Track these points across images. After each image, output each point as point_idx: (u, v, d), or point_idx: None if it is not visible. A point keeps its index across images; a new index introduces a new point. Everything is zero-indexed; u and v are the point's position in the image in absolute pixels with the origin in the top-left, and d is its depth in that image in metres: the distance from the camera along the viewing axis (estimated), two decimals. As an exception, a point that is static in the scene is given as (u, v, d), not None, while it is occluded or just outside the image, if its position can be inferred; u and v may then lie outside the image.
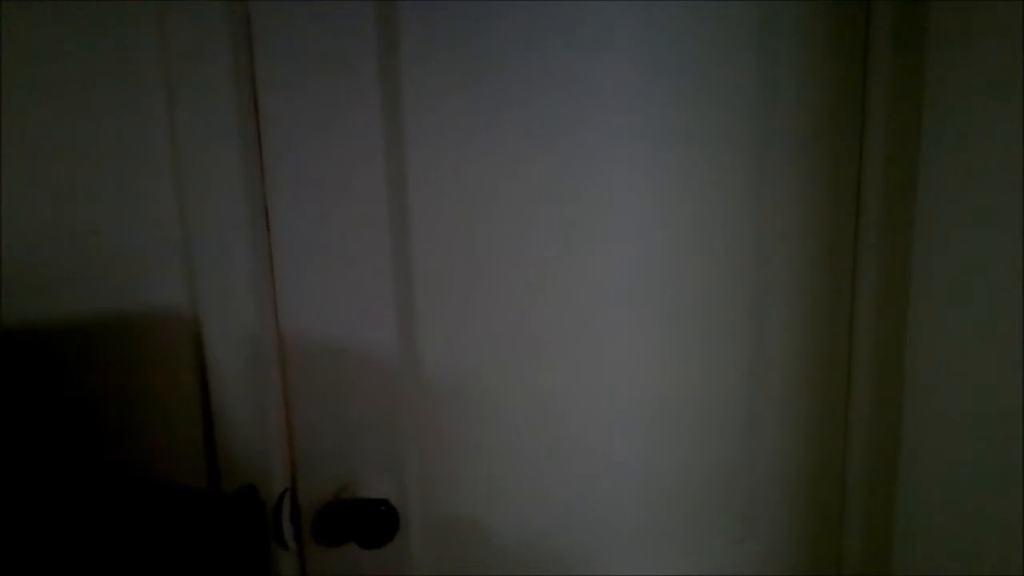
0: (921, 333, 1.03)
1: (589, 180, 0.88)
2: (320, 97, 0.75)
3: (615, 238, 0.91)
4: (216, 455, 0.77)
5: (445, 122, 0.80)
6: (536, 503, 0.91)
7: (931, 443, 1.03)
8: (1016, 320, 0.93)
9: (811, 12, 0.96)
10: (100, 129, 0.69)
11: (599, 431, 0.93)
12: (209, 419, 0.76)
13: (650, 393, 0.95)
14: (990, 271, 0.95)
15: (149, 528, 0.72)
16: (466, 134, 0.81)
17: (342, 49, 0.75)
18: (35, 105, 0.67)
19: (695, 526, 1.01)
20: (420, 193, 0.80)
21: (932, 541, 1.05)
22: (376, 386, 0.81)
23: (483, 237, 0.84)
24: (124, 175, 0.71)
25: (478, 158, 0.82)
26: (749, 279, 1.00)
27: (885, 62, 0.99)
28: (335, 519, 0.79)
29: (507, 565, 0.90)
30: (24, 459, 0.70)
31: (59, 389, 0.71)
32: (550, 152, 0.85)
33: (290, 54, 0.73)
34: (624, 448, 0.95)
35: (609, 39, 0.85)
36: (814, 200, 1.01)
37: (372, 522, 0.77)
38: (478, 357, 0.86)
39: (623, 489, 0.96)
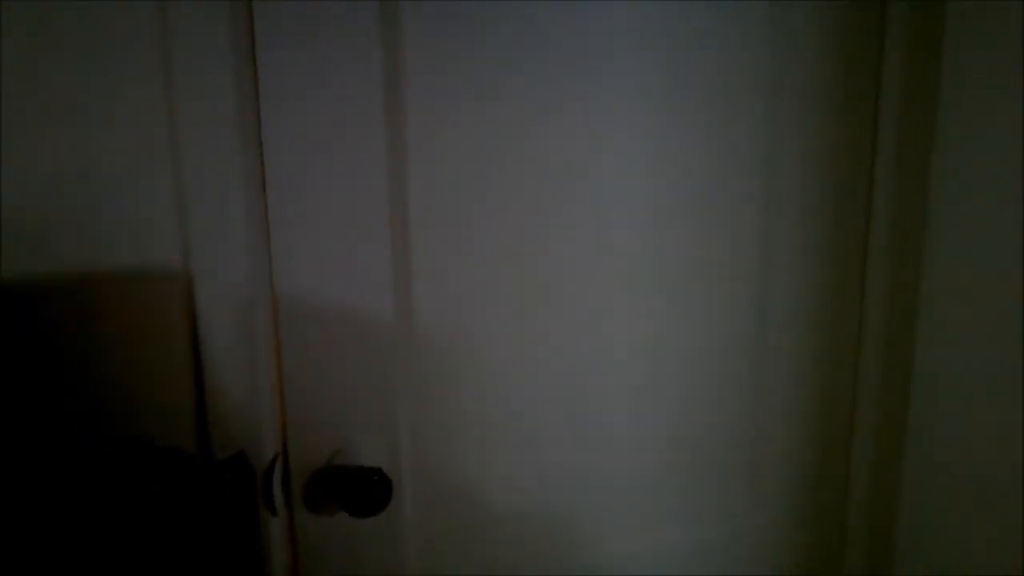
0: (933, 307, 1.00)
1: (591, 139, 0.84)
2: (320, 53, 0.72)
3: (616, 201, 0.87)
4: (206, 417, 0.75)
5: (446, 84, 0.77)
6: (532, 471, 0.89)
7: (939, 415, 1.01)
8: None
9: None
10: (95, 81, 0.67)
11: (598, 397, 0.91)
12: (200, 380, 0.74)
13: (650, 361, 0.93)
14: (1004, 265, 0.92)
15: (137, 491, 0.71)
16: (467, 96, 0.78)
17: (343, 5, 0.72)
18: (29, 55, 0.65)
19: (695, 497, 1.00)
20: (419, 155, 0.78)
21: (937, 521, 1.03)
22: (371, 350, 0.79)
23: (482, 199, 0.81)
24: (118, 129, 0.69)
25: (478, 121, 0.79)
26: (754, 245, 0.96)
27: (900, 50, 0.95)
28: (327, 486, 0.77)
29: (502, 534, 0.89)
30: (10, 417, 0.68)
31: (49, 347, 0.70)
32: (552, 112, 0.82)
33: (290, 6, 0.71)
34: (624, 416, 0.92)
35: (613, 15, 0.82)
36: (825, 176, 0.97)
37: (364, 491, 0.76)
38: (474, 322, 0.83)
39: (622, 457, 0.94)
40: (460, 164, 0.80)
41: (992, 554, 0.97)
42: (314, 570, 0.80)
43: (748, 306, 0.97)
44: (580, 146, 0.84)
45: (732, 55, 0.89)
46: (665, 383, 0.95)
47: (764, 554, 1.06)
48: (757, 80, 0.91)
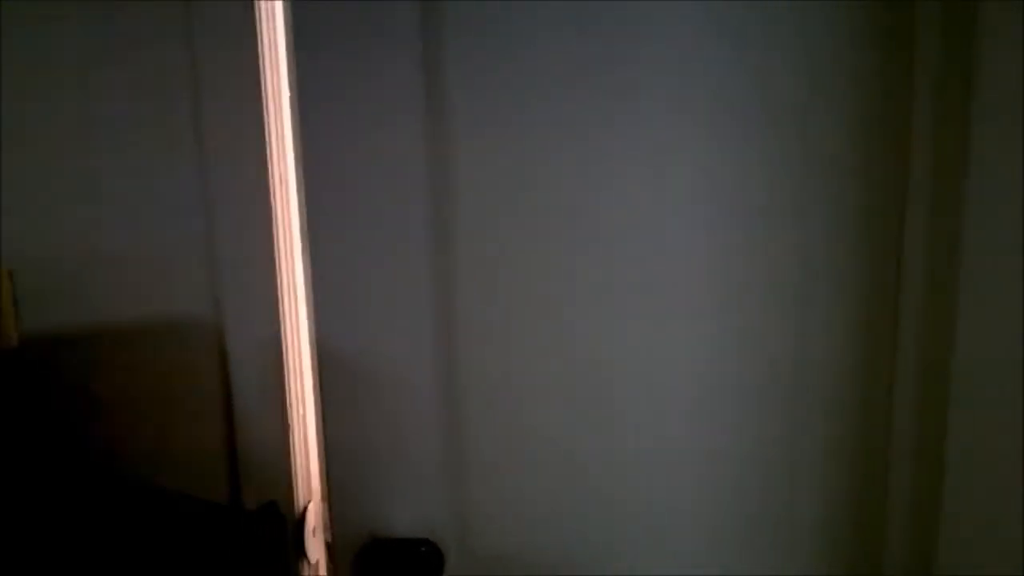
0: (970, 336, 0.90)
1: (629, 173, 0.73)
2: (360, 95, 0.67)
3: (656, 234, 0.76)
4: (238, 467, 0.72)
5: (487, 121, 0.70)
6: (578, 532, 0.82)
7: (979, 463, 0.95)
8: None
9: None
10: (126, 135, 0.67)
11: (642, 454, 0.81)
12: (232, 431, 0.72)
13: (690, 397, 0.81)
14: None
15: (170, 542, 0.67)
16: (509, 133, 0.70)
17: (383, 47, 0.67)
18: (63, 115, 0.67)
19: (740, 553, 0.95)
20: (462, 201, 0.70)
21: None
22: (411, 403, 0.72)
23: (526, 245, 0.72)
24: (150, 181, 0.68)
25: (521, 160, 0.71)
26: (791, 274, 0.82)
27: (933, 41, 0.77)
28: (375, 560, 0.71)
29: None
30: (47, 467, 0.71)
31: (81, 399, 0.71)
32: (590, 151, 0.73)
33: (328, 48, 0.66)
34: (665, 457, 0.83)
35: (652, 25, 0.72)
36: (859, 185, 0.81)
37: (414, 564, 0.70)
38: (517, 374, 0.74)
39: (670, 515, 0.86)
40: (506, 205, 0.72)
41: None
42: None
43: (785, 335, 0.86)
44: (625, 187, 0.74)
45: (765, 70, 0.76)
46: (704, 417, 0.84)
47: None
48: (790, 88, 0.77)
